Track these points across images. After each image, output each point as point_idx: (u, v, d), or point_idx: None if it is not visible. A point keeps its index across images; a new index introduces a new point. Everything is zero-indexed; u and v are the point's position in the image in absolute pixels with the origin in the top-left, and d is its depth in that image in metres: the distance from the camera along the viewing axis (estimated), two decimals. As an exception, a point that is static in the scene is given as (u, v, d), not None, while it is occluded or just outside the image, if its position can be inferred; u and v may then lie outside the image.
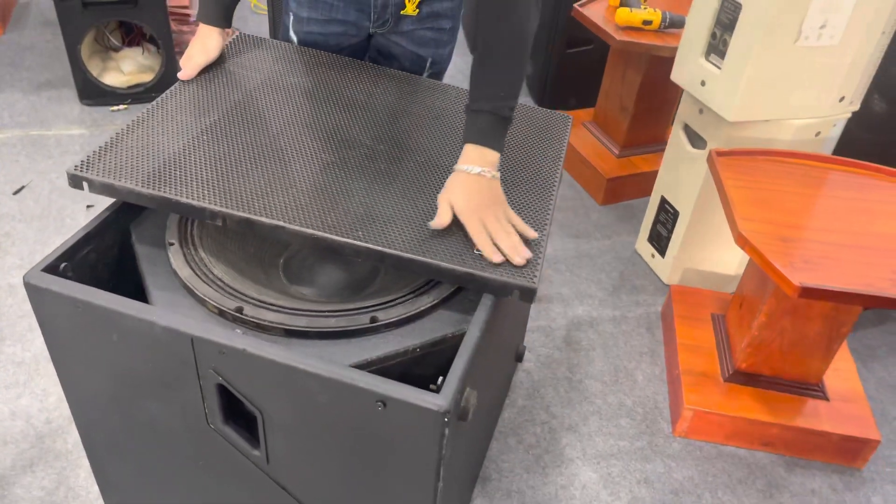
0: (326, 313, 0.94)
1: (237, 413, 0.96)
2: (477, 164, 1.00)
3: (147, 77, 2.47)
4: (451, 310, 0.98)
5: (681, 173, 1.79)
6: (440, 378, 0.85)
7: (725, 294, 1.77)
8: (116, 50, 2.53)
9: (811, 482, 1.47)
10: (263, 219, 0.95)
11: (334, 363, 0.84)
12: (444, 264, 0.93)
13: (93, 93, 2.42)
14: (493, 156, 1.01)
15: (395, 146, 1.14)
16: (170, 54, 2.43)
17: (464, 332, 0.93)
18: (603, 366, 1.68)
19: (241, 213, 0.95)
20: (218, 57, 1.25)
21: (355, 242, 0.94)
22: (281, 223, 0.95)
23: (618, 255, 2.02)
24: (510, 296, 0.94)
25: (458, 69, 2.90)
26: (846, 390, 1.54)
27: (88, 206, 1.99)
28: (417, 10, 1.29)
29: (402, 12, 1.29)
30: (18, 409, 1.46)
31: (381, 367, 0.91)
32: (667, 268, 1.90)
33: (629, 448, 1.50)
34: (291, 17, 1.35)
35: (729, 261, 1.84)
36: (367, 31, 1.34)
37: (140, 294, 0.97)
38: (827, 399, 1.52)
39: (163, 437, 1.03)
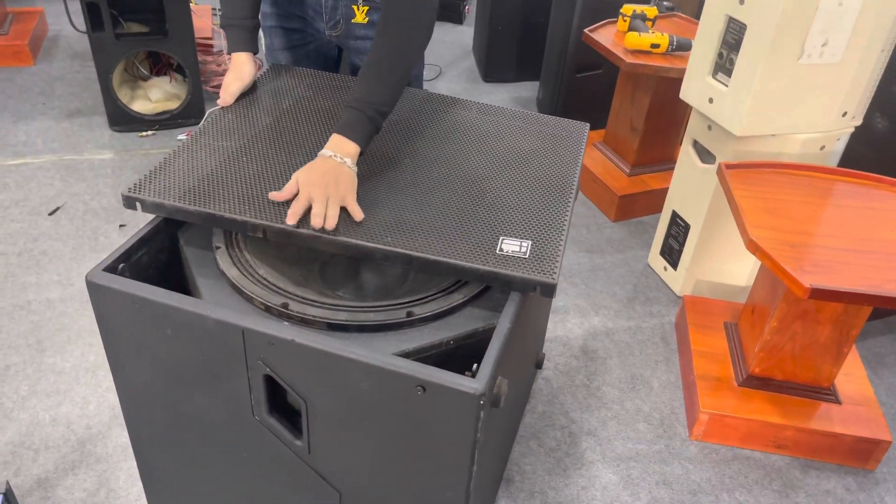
0: (365, 308, 1.00)
1: (281, 405, 1.02)
2: (333, 150, 1.11)
3: (173, 105, 2.58)
4: (480, 307, 1.04)
5: (691, 188, 1.86)
6: (475, 365, 0.91)
7: (737, 303, 1.83)
8: (145, 79, 2.63)
9: (826, 483, 1.51)
10: (301, 230, 1.02)
11: (376, 352, 0.90)
12: (468, 264, 0.99)
13: (122, 119, 2.52)
14: (350, 146, 1.12)
15: (417, 158, 1.22)
16: (196, 82, 2.54)
17: (493, 327, 1.00)
18: (620, 373, 1.73)
19: (279, 225, 1.02)
20: (251, 84, 1.34)
21: (385, 248, 1.01)
22: (317, 233, 1.02)
23: (631, 269, 2.08)
24: (533, 291, 1.00)
25: (470, 94, 3.00)
26: (857, 394, 1.59)
27: (121, 226, 2.07)
28: (367, 19, 1.39)
29: (352, 20, 1.39)
30: (59, 416, 1.52)
31: (418, 358, 0.97)
32: (679, 280, 1.96)
33: (647, 451, 1.55)
34: None
35: (739, 272, 1.90)
36: (324, 32, 1.44)
37: (188, 296, 1.04)
38: (839, 402, 1.56)
39: (208, 430, 1.09)
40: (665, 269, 2.01)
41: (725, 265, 1.90)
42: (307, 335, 0.92)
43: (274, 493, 1.13)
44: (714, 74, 1.69)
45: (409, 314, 1.00)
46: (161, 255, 1.11)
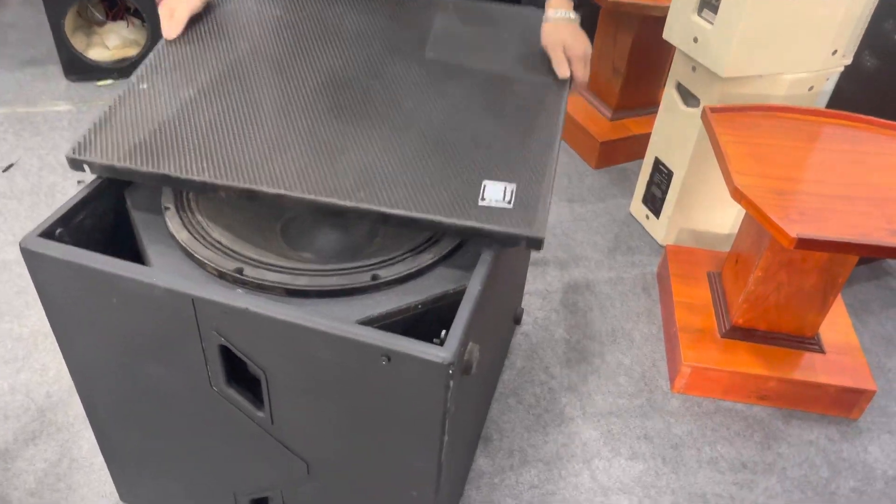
0: (327, 272, 0.93)
1: (240, 374, 0.96)
2: (567, 8, 1.16)
3: (132, 51, 2.44)
4: (451, 267, 0.98)
5: (674, 133, 1.79)
6: (443, 332, 0.85)
7: (720, 252, 1.78)
8: (100, 24, 2.49)
9: (808, 433, 1.49)
10: (265, 188, 0.94)
11: (338, 320, 0.84)
12: (449, 220, 0.92)
13: (78, 68, 2.38)
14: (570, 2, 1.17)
15: (391, 83, 1.12)
16: (154, 27, 2.40)
17: (464, 289, 0.94)
18: (600, 326, 1.69)
19: (242, 185, 0.94)
20: (204, 5, 1.18)
21: (358, 206, 0.93)
22: (282, 191, 0.94)
23: (613, 218, 2.02)
24: (518, 245, 0.93)
25: None
26: (842, 343, 1.56)
27: (79, 182, 1.97)
28: None
29: None
30: (18, 384, 1.45)
31: (384, 325, 0.91)
32: (662, 229, 1.90)
33: (628, 406, 1.52)
34: None
35: (723, 220, 1.85)
36: None
37: (137, 260, 0.97)
38: (823, 352, 1.53)
39: (166, 401, 1.03)
40: (647, 217, 1.95)
41: (709, 213, 1.84)
42: (263, 303, 0.85)
43: (239, 463, 1.08)
44: (699, 12, 1.60)
45: (375, 277, 0.93)
46: (106, 217, 1.03)
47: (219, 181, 0.94)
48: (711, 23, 1.56)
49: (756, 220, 1.33)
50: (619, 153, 2.20)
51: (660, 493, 1.36)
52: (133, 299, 0.89)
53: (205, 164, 0.96)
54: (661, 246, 1.92)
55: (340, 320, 0.84)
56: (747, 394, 1.52)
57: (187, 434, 1.07)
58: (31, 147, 2.10)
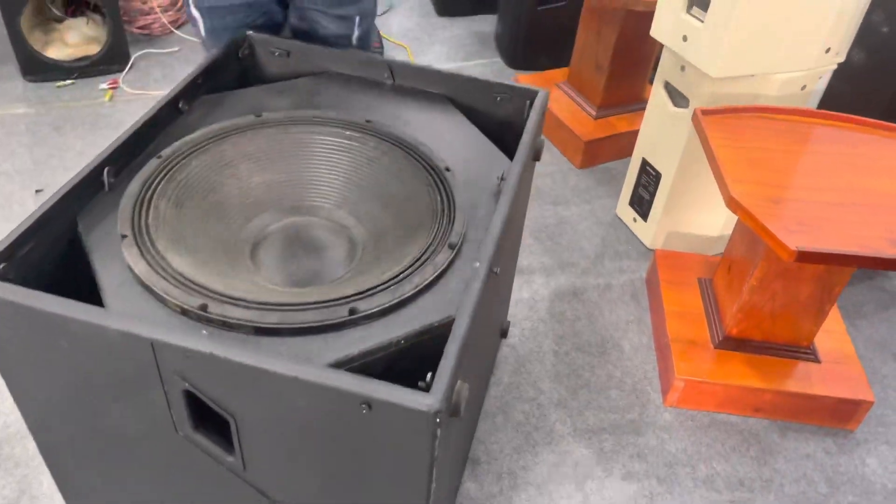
0: (300, 306, 0.86)
1: (208, 416, 0.88)
2: None
3: (94, 49, 2.32)
4: (435, 295, 0.90)
5: (662, 134, 1.72)
6: (429, 374, 0.77)
7: (711, 257, 1.73)
8: (59, 21, 2.37)
9: (805, 446, 1.44)
10: None
11: (311, 364, 0.76)
12: None
13: (36, 68, 2.26)
14: None
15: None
16: (117, 23, 2.29)
17: (450, 320, 0.86)
18: (589, 337, 1.63)
19: None
20: None
21: None
22: None
23: (599, 221, 1.96)
24: None
25: (424, 30, 2.79)
26: (837, 351, 1.51)
27: (37, 191, 1.87)
28: None
29: None
30: (-27, 414, 1.36)
31: (363, 363, 0.84)
32: (650, 232, 1.84)
33: (620, 421, 1.46)
34: None
35: (713, 223, 1.80)
36: None
37: (92, 292, 0.88)
38: (818, 361, 1.48)
39: (128, 445, 0.95)
40: (635, 220, 1.89)
41: (699, 216, 1.79)
42: (229, 346, 0.77)
43: (210, 508, 1.00)
44: (688, 9, 1.53)
45: (353, 311, 0.85)
46: (57, 247, 0.94)
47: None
48: (701, 20, 1.49)
49: (751, 229, 1.27)
50: (604, 152, 2.13)
51: (655, 515, 1.30)
52: (86, 342, 0.81)
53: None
54: (650, 249, 1.86)
55: (315, 362, 0.77)
56: (742, 406, 1.47)
57: (152, 477, 0.99)
58: (-13, 153, 1.99)
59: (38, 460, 1.29)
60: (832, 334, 1.54)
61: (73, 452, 1.00)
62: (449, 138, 1.18)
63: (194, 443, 0.89)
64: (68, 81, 2.29)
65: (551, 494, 1.32)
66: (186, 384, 0.82)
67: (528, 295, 1.72)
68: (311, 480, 0.89)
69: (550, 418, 1.45)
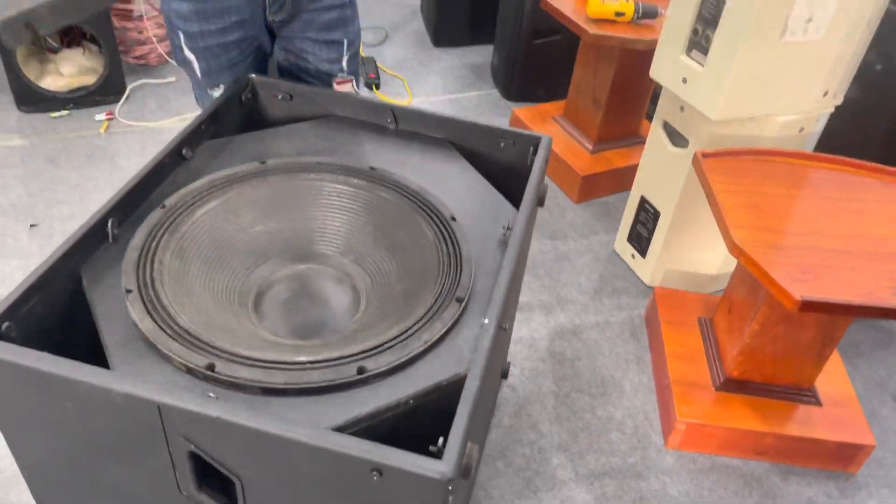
0: (308, 365, 0.85)
1: (212, 476, 0.87)
2: None
3: (89, 80, 2.32)
4: (444, 352, 0.90)
5: (661, 172, 1.73)
6: (440, 439, 0.76)
7: (711, 296, 1.73)
8: (55, 51, 2.36)
9: (807, 490, 1.44)
10: None
11: (319, 428, 0.75)
12: None
13: (31, 99, 2.25)
14: None
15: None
16: (113, 53, 2.28)
17: (459, 378, 0.86)
18: (589, 377, 1.62)
19: None
20: None
21: None
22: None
23: (596, 256, 1.96)
24: None
25: (420, 61, 2.80)
26: (837, 394, 1.51)
27: (32, 226, 1.85)
28: None
29: None
30: (-35, 459, 1.34)
31: (371, 424, 0.83)
32: (648, 269, 1.84)
33: (622, 465, 1.45)
34: (181, 36, 1.25)
35: (712, 261, 1.80)
36: (264, 23, 1.26)
37: (95, 347, 0.87)
38: (819, 404, 1.48)
39: (129, 503, 0.93)
40: (633, 256, 1.89)
41: (697, 254, 1.79)
42: (235, 409, 0.76)
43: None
44: (688, 52, 1.54)
45: (361, 370, 0.85)
46: (61, 300, 0.93)
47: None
48: (701, 64, 1.51)
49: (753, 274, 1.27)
50: (601, 186, 2.14)
51: (658, 563, 1.29)
52: (90, 404, 0.80)
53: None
54: (648, 287, 1.86)
55: (323, 424, 0.76)
56: (744, 449, 1.46)
57: (154, 535, 0.97)
58: (-19, 186, 1.97)
59: (32, 508, 1.26)
60: (832, 376, 1.54)
61: (71, 508, 0.98)
62: (453, 185, 1.18)
63: (198, 503, 0.88)
64: (63, 112, 2.28)
65: (554, 541, 1.30)
66: (192, 446, 0.80)
67: (527, 334, 1.71)
68: (317, 542, 0.87)
69: (552, 462, 1.44)
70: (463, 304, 0.95)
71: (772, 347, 1.42)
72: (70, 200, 1.96)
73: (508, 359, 1.61)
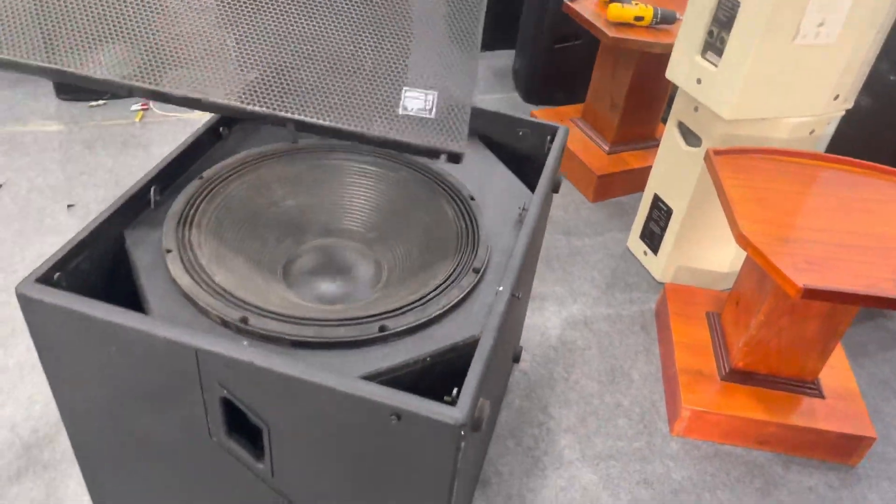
0: (334, 322, 0.91)
1: (240, 425, 0.93)
2: None
3: (126, 71, 2.41)
4: (460, 316, 0.96)
5: (675, 171, 1.79)
6: (455, 389, 0.82)
7: (720, 292, 1.78)
8: (94, 43, 2.45)
9: (808, 480, 1.47)
10: (143, 85, 0.89)
11: (345, 375, 0.81)
12: (362, 130, 0.88)
13: (70, 88, 2.35)
14: None
15: None
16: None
17: (474, 340, 0.92)
18: (599, 365, 1.67)
19: (150, 87, 0.88)
20: None
21: (263, 111, 0.88)
22: (168, 90, 0.88)
23: (610, 253, 2.01)
24: (437, 158, 0.92)
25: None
26: (841, 388, 1.55)
27: (69, 206, 1.93)
28: None
29: None
30: (2, 419, 1.41)
31: (391, 378, 0.89)
32: (660, 265, 1.89)
33: (628, 449, 1.49)
34: None
35: (722, 259, 1.85)
36: None
37: (137, 304, 0.94)
38: (822, 397, 1.52)
39: (161, 450, 1.00)
40: (645, 253, 1.94)
41: (708, 251, 1.84)
42: (268, 356, 0.82)
43: (236, 515, 1.04)
44: (703, 53, 1.60)
45: (383, 328, 0.91)
46: (105, 259, 1.00)
47: (126, 82, 0.88)
48: (716, 65, 1.56)
49: (760, 266, 1.32)
50: (616, 187, 2.19)
51: (660, 541, 1.33)
52: (134, 349, 0.86)
53: (111, 58, 0.90)
54: (659, 283, 1.91)
55: (347, 375, 0.82)
56: (747, 438, 1.50)
57: (182, 482, 1.04)
58: (20, 168, 2.06)
59: (66, 464, 1.34)
60: (836, 371, 1.58)
61: (107, 455, 1.05)
62: (473, 169, 1.24)
63: (226, 449, 0.94)
64: (101, 101, 2.37)
65: (559, 517, 1.35)
66: (225, 392, 0.87)
67: (540, 322, 1.76)
68: (336, 489, 0.93)
69: (560, 443, 1.49)
70: (479, 274, 1.01)
71: (776, 339, 1.46)
72: (105, 184, 2.04)
73: (521, 344, 1.67)
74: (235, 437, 0.93)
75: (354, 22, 1.00)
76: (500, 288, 0.95)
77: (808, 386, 1.53)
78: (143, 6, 0.95)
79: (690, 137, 1.74)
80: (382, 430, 0.82)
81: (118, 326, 0.84)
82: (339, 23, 1.00)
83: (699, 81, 1.61)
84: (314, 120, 0.88)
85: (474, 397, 0.81)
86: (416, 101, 0.92)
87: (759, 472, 1.48)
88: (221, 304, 0.91)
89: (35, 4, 0.91)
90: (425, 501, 0.89)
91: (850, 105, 1.66)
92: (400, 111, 0.91)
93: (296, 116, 0.88)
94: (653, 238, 1.90)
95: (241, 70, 0.91)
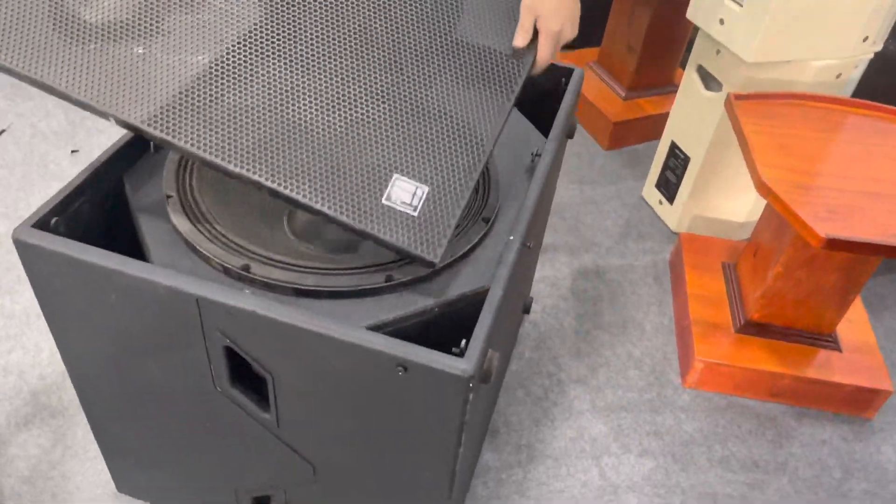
0: (338, 271, 0.88)
1: (245, 374, 0.91)
2: None
3: (129, 13, 2.34)
4: (468, 267, 0.93)
5: (693, 117, 1.73)
6: (463, 341, 0.80)
7: (737, 242, 1.73)
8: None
9: (821, 432, 1.46)
10: (150, 129, 0.82)
11: (350, 325, 0.79)
12: (339, 216, 0.83)
13: (72, 30, 2.29)
14: None
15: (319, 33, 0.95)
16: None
17: (483, 290, 0.89)
18: (610, 316, 1.65)
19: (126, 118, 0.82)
20: None
21: (236, 170, 0.82)
22: (166, 137, 0.82)
23: (624, 202, 1.97)
24: (410, 262, 0.88)
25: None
26: (858, 341, 1.52)
27: (73, 152, 1.90)
28: None
29: None
30: (10, 365, 1.41)
31: (398, 328, 0.87)
32: (675, 215, 1.85)
33: (638, 400, 1.48)
34: None
35: (739, 208, 1.80)
36: None
37: (137, 250, 0.91)
38: (839, 350, 1.50)
39: (166, 399, 0.98)
40: (660, 202, 1.90)
41: (725, 201, 1.79)
42: (271, 305, 0.80)
43: (241, 462, 1.04)
44: (727, -8, 1.52)
45: (389, 278, 0.88)
46: (105, 204, 0.97)
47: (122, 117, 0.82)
48: (740, 4, 1.49)
49: (779, 214, 1.28)
50: (632, 134, 2.13)
51: (670, 492, 1.33)
52: (134, 297, 0.84)
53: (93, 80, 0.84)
54: (674, 233, 1.87)
55: (352, 324, 0.80)
56: (760, 391, 1.48)
57: (188, 431, 1.03)
58: (23, 113, 2.03)
59: (73, 411, 1.34)
60: (854, 324, 1.55)
61: (112, 404, 1.04)
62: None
63: (231, 398, 0.92)
64: (103, 45, 2.31)
65: (568, 468, 1.35)
66: (228, 340, 0.85)
67: (551, 273, 1.73)
68: (342, 439, 0.92)
69: (570, 394, 1.48)
70: (489, 224, 0.97)
71: (794, 291, 1.43)
72: (108, 131, 2.01)
73: (532, 295, 1.64)
74: (240, 387, 0.92)
75: (371, 84, 0.94)
76: (511, 237, 0.92)
77: (825, 339, 1.50)
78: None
79: (710, 82, 1.68)
80: (388, 381, 0.80)
81: (118, 273, 0.82)
82: (351, 81, 0.94)
83: (721, 22, 1.54)
84: (289, 193, 0.82)
85: (483, 349, 0.79)
86: (403, 192, 0.85)
87: (771, 425, 1.46)
88: (223, 251, 0.88)
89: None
90: (433, 452, 0.87)
91: (878, 48, 1.58)
92: (383, 200, 0.84)
93: (258, 178, 0.82)
94: (668, 187, 1.85)
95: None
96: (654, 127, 2.11)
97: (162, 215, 0.93)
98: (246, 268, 0.86)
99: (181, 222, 0.91)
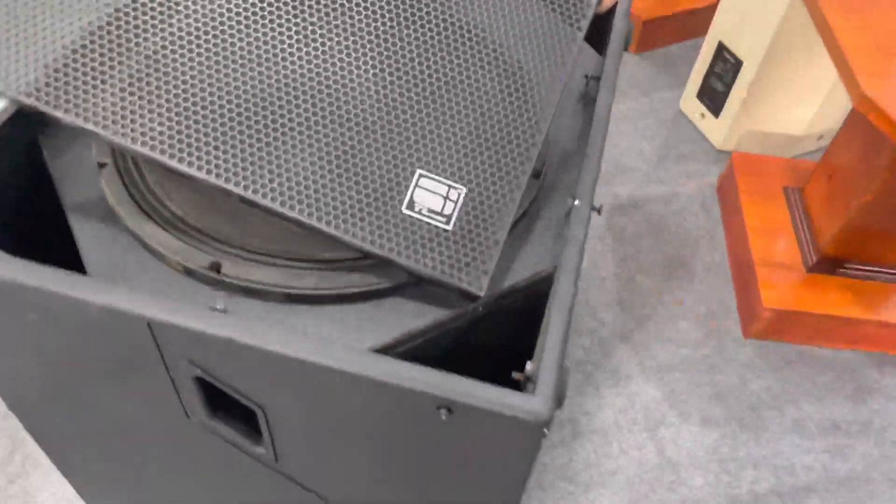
0: (344, 265, 0.64)
1: (227, 402, 0.69)
2: None
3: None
4: (518, 245, 0.69)
5: (747, 12, 1.44)
6: (528, 364, 0.57)
7: (799, 161, 1.49)
8: None
9: (906, 384, 1.26)
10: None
11: (365, 347, 0.56)
12: (343, 235, 0.60)
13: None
14: None
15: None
16: None
17: (540, 277, 0.65)
18: (654, 257, 1.42)
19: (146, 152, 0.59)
20: None
21: (233, 189, 0.59)
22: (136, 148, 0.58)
23: (659, 117, 1.70)
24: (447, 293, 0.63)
25: None
26: (949, 275, 1.30)
27: None
28: None
29: None
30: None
31: (426, 340, 0.64)
32: (721, 130, 1.59)
33: (693, 357, 1.27)
34: None
35: (799, 119, 1.54)
36: None
37: (63, 237, 0.67)
38: (928, 287, 1.28)
39: (131, 430, 0.76)
40: (703, 115, 1.63)
41: (784, 112, 1.53)
42: (252, 327, 0.56)
43: (233, 493, 0.83)
44: None
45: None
46: (17, 179, 0.71)
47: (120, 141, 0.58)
48: None
49: (870, 132, 1.03)
50: (664, 34, 1.84)
51: (740, 466, 1.14)
52: (60, 317, 0.60)
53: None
54: (720, 151, 1.61)
55: (368, 343, 0.56)
56: (836, 339, 1.28)
57: (164, 461, 0.82)
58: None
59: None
60: (942, 254, 1.33)
61: (65, 434, 0.82)
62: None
63: (211, 430, 0.70)
64: None
65: (620, 444, 1.15)
66: (198, 371, 0.61)
67: (582, 207, 1.49)
68: (361, 475, 0.70)
69: (614, 355, 1.27)
70: (541, 180, 0.72)
71: (883, 223, 1.19)
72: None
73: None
74: (222, 417, 0.69)
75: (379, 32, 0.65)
76: (576, 201, 0.67)
77: (911, 275, 1.28)
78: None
79: (772, -33, 1.38)
80: (427, 426, 0.57)
81: (28, 289, 0.57)
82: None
83: None
84: (291, 213, 0.57)
85: (557, 371, 0.56)
86: (430, 196, 0.58)
87: (850, 378, 1.26)
88: (182, 244, 0.63)
89: None
90: (485, 498, 0.66)
91: None
92: (403, 208, 0.59)
93: (270, 204, 0.57)
94: (714, 97, 1.58)
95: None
96: (692, 24, 1.81)
97: (96, 192, 0.68)
98: (215, 267, 0.62)
99: (121, 202, 0.66)
